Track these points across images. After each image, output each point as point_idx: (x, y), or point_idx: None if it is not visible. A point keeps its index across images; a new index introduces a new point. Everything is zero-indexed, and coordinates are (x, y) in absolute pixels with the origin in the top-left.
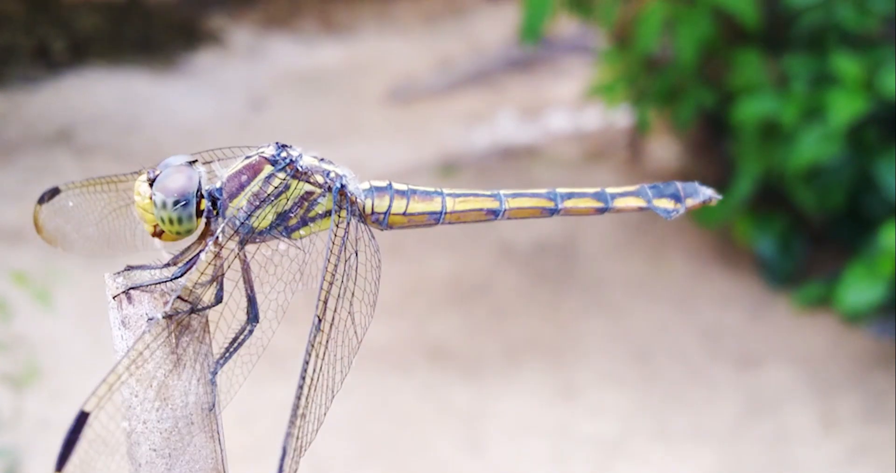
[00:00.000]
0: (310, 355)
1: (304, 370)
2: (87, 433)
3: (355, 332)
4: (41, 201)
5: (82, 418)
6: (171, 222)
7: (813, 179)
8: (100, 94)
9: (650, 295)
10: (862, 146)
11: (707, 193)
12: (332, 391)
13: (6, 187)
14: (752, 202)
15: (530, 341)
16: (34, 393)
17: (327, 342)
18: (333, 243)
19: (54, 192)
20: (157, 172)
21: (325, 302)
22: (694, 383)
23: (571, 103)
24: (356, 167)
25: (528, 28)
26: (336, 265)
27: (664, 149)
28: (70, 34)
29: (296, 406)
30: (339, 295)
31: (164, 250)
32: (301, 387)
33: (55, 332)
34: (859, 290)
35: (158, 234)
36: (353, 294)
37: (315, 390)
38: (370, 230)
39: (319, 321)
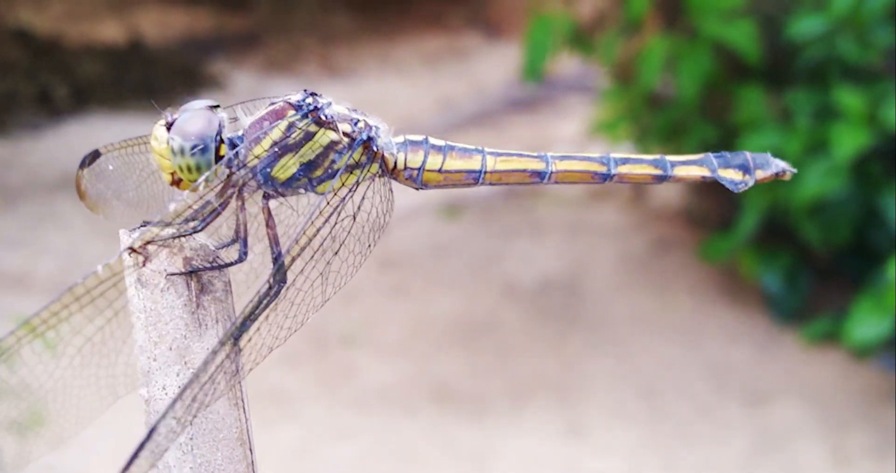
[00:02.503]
0: (249, 318)
1: (240, 330)
2: None
3: (323, 291)
4: (82, 165)
5: None
6: (188, 169)
7: (818, 213)
8: (102, 139)
9: (656, 332)
10: (867, 180)
11: (780, 165)
12: (269, 349)
13: (9, 234)
14: (757, 238)
15: (536, 379)
16: (39, 439)
17: (277, 305)
18: (328, 203)
19: (95, 155)
20: (176, 116)
21: (290, 263)
22: (702, 420)
23: (574, 142)
24: None
25: (529, 67)
26: (320, 228)
27: (667, 187)
28: (72, 80)
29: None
30: (312, 257)
31: (181, 202)
32: (219, 342)
33: (60, 377)
34: (867, 324)
35: (177, 182)
36: (335, 254)
37: (245, 347)
38: (390, 189)
39: (274, 286)
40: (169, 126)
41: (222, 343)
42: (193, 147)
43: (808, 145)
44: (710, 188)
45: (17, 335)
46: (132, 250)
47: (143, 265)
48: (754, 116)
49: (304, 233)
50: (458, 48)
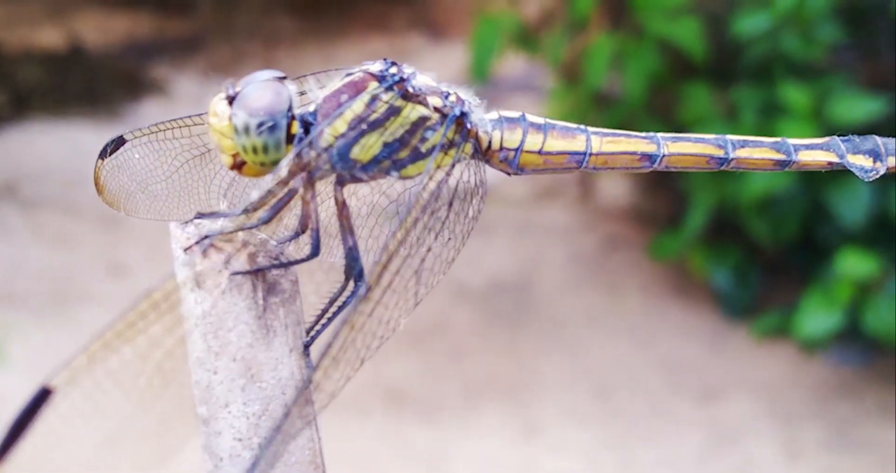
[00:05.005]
0: (342, 325)
1: (331, 344)
2: (51, 416)
3: (416, 293)
4: (103, 154)
5: (43, 396)
6: (254, 150)
7: (766, 209)
8: (44, 146)
9: (608, 330)
10: (813, 176)
11: None
12: (361, 361)
13: None
14: (705, 235)
15: (489, 380)
16: None
17: (372, 310)
18: (424, 188)
19: (119, 142)
20: (239, 89)
21: (386, 265)
22: (656, 416)
23: None
24: None
25: (475, 68)
26: (417, 219)
27: (615, 185)
28: (11, 87)
29: (307, 381)
30: (408, 255)
31: (255, 191)
32: (321, 356)
33: (7, 386)
34: (816, 319)
35: (238, 166)
36: (428, 250)
37: (338, 364)
38: (484, 172)
39: (368, 288)
40: (231, 100)
41: (312, 370)
42: (261, 124)
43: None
44: (657, 185)
45: (90, 352)
46: (199, 244)
47: (204, 258)
48: (701, 113)
49: (402, 225)
50: (402, 49)
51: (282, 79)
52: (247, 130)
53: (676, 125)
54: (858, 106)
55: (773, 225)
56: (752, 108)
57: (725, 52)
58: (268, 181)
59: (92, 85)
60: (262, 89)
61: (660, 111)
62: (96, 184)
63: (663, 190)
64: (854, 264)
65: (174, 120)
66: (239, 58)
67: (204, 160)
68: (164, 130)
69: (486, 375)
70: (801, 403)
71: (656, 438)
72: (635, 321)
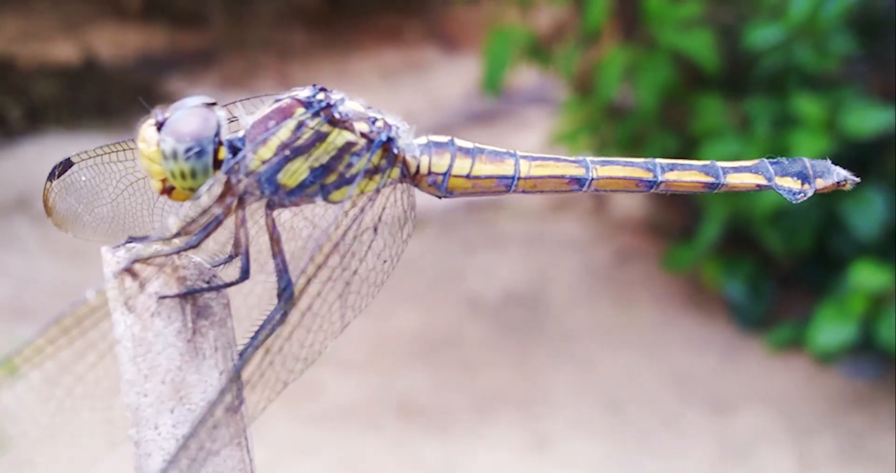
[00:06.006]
0: (256, 347)
1: (239, 364)
2: None
3: (342, 316)
4: (51, 176)
5: None
6: (182, 175)
7: (779, 221)
8: (57, 160)
9: (620, 343)
10: None
11: (841, 173)
12: (283, 384)
13: None
14: (719, 246)
15: (500, 393)
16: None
17: (291, 333)
18: (345, 214)
19: (66, 164)
20: (167, 115)
21: (304, 289)
22: (667, 429)
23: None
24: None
25: (488, 80)
26: (338, 243)
27: (629, 197)
28: (26, 101)
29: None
30: (329, 277)
31: (172, 217)
32: (228, 381)
33: (19, 401)
34: (830, 331)
35: (168, 191)
36: (354, 273)
37: (254, 387)
38: (412, 196)
39: (284, 313)
40: (159, 126)
41: (232, 380)
42: (188, 150)
43: (768, 153)
44: (671, 197)
45: None
46: (128, 272)
47: (133, 282)
48: (714, 124)
49: (320, 249)
50: (416, 62)
51: (211, 105)
52: (174, 155)
53: (689, 137)
54: (871, 117)
55: (787, 237)
56: (765, 119)
57: (738, 64)
58: (187, 206)
59: (106, 98)
60: (189, 115)
61: (672, 123)
62: (45, 205)
63: (677, 202)
64: (868, 277)
65: (119, 143)
66: (252, 71)
67: (147, 184)
68: (109, 153)
69: (498, 387)
70: (814, 415)
71: (668, 451)
72: (648, 333)
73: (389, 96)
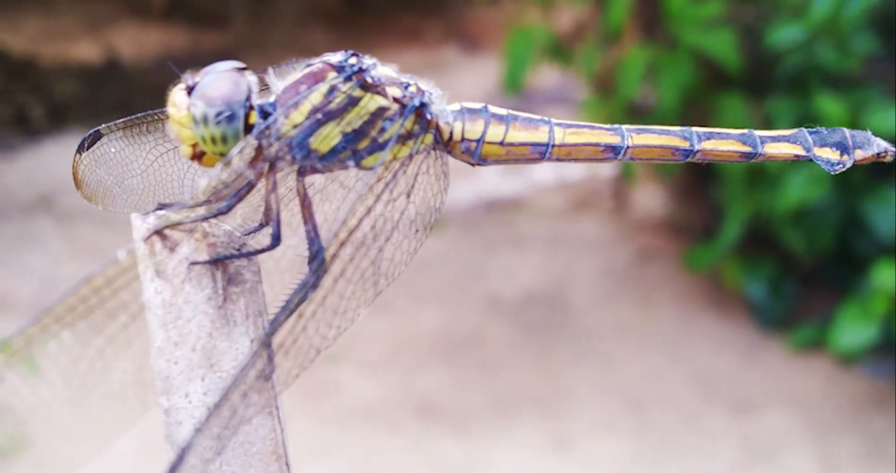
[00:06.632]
0: (288, 313)
1: (270, 329)
2: None
3: (374, 283)
4: (80, 149)
5: None
6: (213, 140)
7: (801, 221)
8: None
9: (641, 343)
10: (849, 187)
11: (882, 144)
12: (316, 350)
13: None
14: (740, 246)
15: (521, 392)
16: (21, 463)
17: (324, 298)
18: (378, 179)
19: (95, 136)
20: (197, 80)
21: (336, 254)
22: (688, 430)
23: None
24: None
25: (509, 80)
26: (371, 207)
27: (650, 196)
28: (48, 100)
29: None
30: (362, 243)
31: (203, 179)
32: (260, 346)
33: (41, 400)
34: (852, 331)
35: (198, 156)
36: (387, 239)
37: (287, 353)
38: (445, 164)
39: (312, 275)
40: (189, 90)
41: (264, 344)
42: (219, 114)
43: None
44: (692, 196)
45: (28, 334)
46: (158, 236)
47: (164, 248)
48: (735, 124)
49: (353, 213)
50: (436, 62)
51: (242, 69)
52: (205, 119)
53: None
54: (893, 117)
55: (809, 236)
56: (786, 119)
57: (760, 64)
58: (217, 170)
59: (127, 98)
60: (219, 79)
61: (694, 123)
62: (74, 179)
63: (699, 201)
64: (889, 277)
65: (148, 114)
66: None
67: (177, 154)
68: (139, 124)
69: (518, 387)
70: (836, 416)
71: (689, 452)
72: (669, 333)
73: None
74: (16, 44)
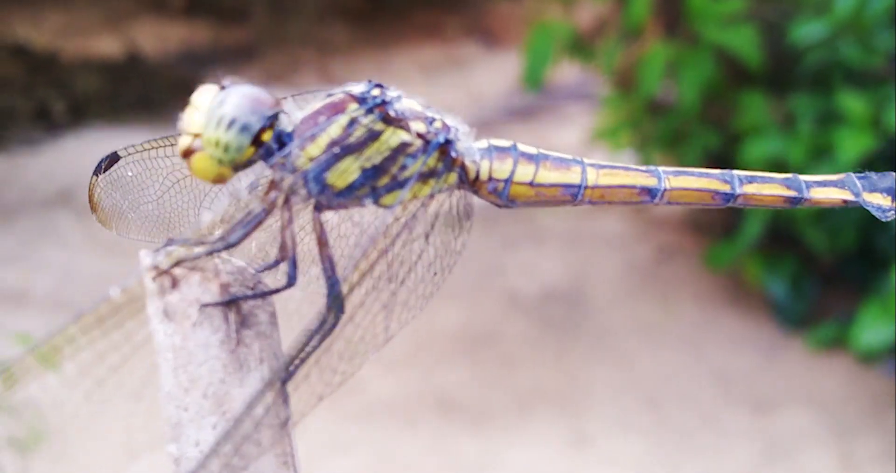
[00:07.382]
0: (300, 357)
1: (286, 377)
2: None
3: (385, 328)
4: (97, 171)
5: None
6: (215, 143)
7: (822, 219)
8: (100, 154)
9: (660, 341)
10: None
11: None
12: (318, 398)
13: (7, 250)
14: (761, 244)
15: (540, 390)
16: (39, 457)
17: (331, 344)
18: (396, 219)
19: (113, 159)
20: (233, 84)
21: (348, 292)
22: (708, 428)
23: (575, 150)
24: None
25: (529, 75)
26: (387, 249)
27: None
28: (69, 95)
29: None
30: (375, 287)
31: (207, 213)
32: (275, 396)
33: (60, 395)
34: (874, 330)
35: (188, 153)
36: (401, 283)
37: (297, 389)
38: (469, 204)
39: (329, 318)
40: (222, 89)
41: (270, 383)
42: (233, 121)
43: (812, 151)
44: None
45: (40, 354)
46: (157, 271)
47: (173, 288)
48: (757, 121)
49: (365, 256)
50: (456, 58)
51: (280, 99)
52: (220, 119)
53: (731, 134)
54: None
55: (830, 235)
56: (808, 116)
57: (782, 60)
58: (225, 205)
59: (148, 93)
60: (257, 91)
61: (715, 119)
62: (90, 202)
63: None
64: None
65: (166, 137)
66: (294, 66)
67: (194, 181)
68: (157, 148)
69: (537, 384)
70: (857, 415)
71: (708, 451)
72: (689, 331)
73: (429, 92)
74: (37, 39)
